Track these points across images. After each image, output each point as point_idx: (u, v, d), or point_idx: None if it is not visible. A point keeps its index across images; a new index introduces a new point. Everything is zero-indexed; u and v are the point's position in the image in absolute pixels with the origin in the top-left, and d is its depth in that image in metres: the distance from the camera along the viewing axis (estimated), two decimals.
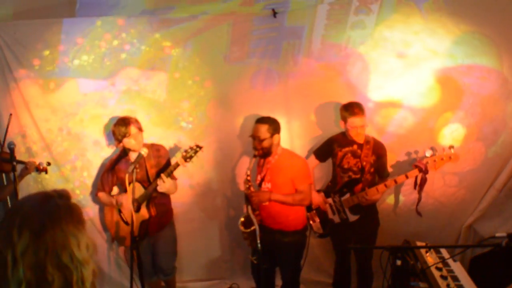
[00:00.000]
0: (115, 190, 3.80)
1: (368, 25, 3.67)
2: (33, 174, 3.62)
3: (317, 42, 3.77)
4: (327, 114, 3.88)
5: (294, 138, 3.97)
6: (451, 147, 3.43)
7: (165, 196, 3.65)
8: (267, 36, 3.82)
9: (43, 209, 1.20)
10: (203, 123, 4.01)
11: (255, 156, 3.35)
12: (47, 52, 3.74)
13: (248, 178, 3.37)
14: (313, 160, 3.74)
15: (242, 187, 3.53)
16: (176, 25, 3.77)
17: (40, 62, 3.75)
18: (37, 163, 3.53)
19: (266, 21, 3.76)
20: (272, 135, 3.28)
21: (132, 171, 3.18)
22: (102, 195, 3.68)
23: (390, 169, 3.71)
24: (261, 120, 3.33)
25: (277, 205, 3.32)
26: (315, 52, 3.80)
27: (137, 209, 3.49)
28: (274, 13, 3.69)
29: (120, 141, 3.47)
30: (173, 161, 3.52)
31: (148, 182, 3.54)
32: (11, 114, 3.55)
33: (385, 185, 3.45)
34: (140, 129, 3.49)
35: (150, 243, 3.66)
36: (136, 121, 3.49)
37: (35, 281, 1.14)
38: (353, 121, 3.39)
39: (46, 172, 3.61)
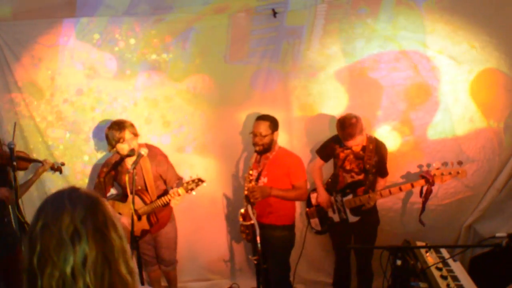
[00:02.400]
0: (112, 191, 3.81)
1: (368, 25, 3.67)
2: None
3: (316, 42, 3.77)
4: (325, 116, 3.89)
5: (294, 138, 3.97)
6: (459, 162, 3.43)
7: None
8: (267, 36, 3.82)
9: (83, 191, 1.19)
10: (203, 123, 4.02)
11: (256, 151, 3.43)
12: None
13: (251, 172, 3.41)
14: (318, 160, 3.76)
15: (243, 182, 3.56)
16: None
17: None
18: (52, 162, 3.55)
19: (266, 21, 3.76)
20: (272, 132, 3.42)
21: (133, 170, 3.17)
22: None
23: (400, 180, 3.74)
24: (262, 117, 3.46)
25: (271, 199, 3.40)
26: (315, 52, 3.80)
27: (138, 218, 3.50)
28: (274, 13, 3.69)
29: (113, 146, 3.38)
30: (174, 191, 3.40)
31: (145, 190, 3.52)
32: (15, 123, 3.55)
33: (390, 191, 3.44)
34: (135, 135, 3.42)
35: (152, 237, 3.69)
36: (132, 126, 3.41)
37: (101, 248, 1.10)
38: (348, 143, 3.39)
39: (61, 172, 3.63)
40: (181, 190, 3.32)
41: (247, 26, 3.80)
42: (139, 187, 3.53)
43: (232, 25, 3.79)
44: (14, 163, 3.04)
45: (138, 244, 3.37)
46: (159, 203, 3.46)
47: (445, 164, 3.44)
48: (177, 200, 3.36)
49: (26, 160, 3.49)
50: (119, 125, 3.37)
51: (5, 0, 3.60)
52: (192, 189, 3.33)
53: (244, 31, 3.81)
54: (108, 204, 1.20)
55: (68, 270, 1.06)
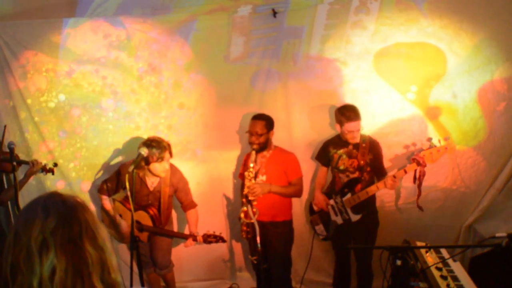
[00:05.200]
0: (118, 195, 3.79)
1: (368, 25, 3.67)
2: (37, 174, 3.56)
3: (317, 42, 3.77)
4: (326, 116, 3.89)
5: (294, 138, 3.97)
6: (446, 138, 3.42)
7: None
8: (267, 36, 3.82)
9: (62, 197, 1.12)
10: (203, 123, 4.02)
11: (253, 149, 3.45)
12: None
13: (251, 169, 3.42)
14: (321, 167, 3.79)
15: (242, 179, 3.57)
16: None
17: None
18: (43, 163, 3.44)
19: (266, 21, 3.76)
20: (268, 131, 3.48)
21: (132, 171, 3.16)
22: (104, 198, 3.64)
23: (389, 163, 3.71)
24: (258, 117, 3.51)
25: (270, 197, 3.45)
26: (315, 52, 3.79)
27: (140, 230, 3.47)
28: (274, 13, 3.69)
29: (148, 163, 3.31)
30: (193, 237, 3.45)
31: (158, 211, 3.50)
32: (5, 126, 3.44)
33: (384, 182, 3.42)
34: (171, 155, 3.38)
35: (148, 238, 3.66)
36: (169, 145, 3.37)
37: (72, 261, 1.03)
38: (350, 125, 3.41)
39: (53, 173, 3.52)
40: (199, 238, 3.40)
41: (247, 26, 3.80)
42: (150, 202, 3.52)
43: (232, 25, 3.79)
44: (14, 163, 3.04)
45: (138, 244, 3.36)
46: (170, 234, 3.55)
47: (429, 139, 3.45)
48: (191, 244, 3.46)
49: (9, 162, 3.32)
50: (159, 144, 3.28)
51: (5, 0, 3.60)
52: (210, 242, 3.39)
53: (244, 31, 3.81)
54: (90, 212, 1.12)
55: (35, 282, 1.01)
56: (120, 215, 3.62)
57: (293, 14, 3.73)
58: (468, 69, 3.60)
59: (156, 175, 3.42)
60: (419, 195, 3.58)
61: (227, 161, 4.10)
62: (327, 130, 3.86)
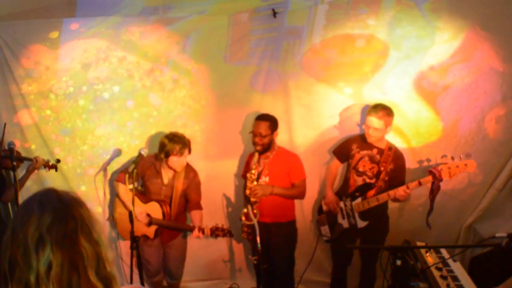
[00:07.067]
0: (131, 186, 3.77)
1: (368, 25, 3.67)
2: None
3: (317, 42, 3.77)
4: (327, 116, 3.89)
5: (294, 138, 3.97)
6: (468, 155, 3.26)
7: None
8: (267, 36, 3.82)
9: (57, 194, 1.14)
10: (202, 123, 4.02)
11: (257, 151, 3.43)
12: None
13: (253, 171, 3.41)
14: (336, 162, 3.72)
15: (245, 181, 3.57)
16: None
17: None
18: (46, 160, 3.42)
19: (266, 21, 3.76)
20: (272, 132, 3.45)
21: (132, 171, 3.17)
22: (121, 185, 3.58)
23: None
24: (262, 117, 3.48)
25: (273, 198, 3.43)
26: (315, 52, 3.79)
27: (148, 224, 3.46)
28: (274, 13, 3.69)
29: (167, 155, 3.32)
30: (201, 229, 3.38)
31: (169, 204, 3.48)
32: (5, 124, 3.40)
33: (396, 192, 3.29)
34: (190, 152, 3.41)
35: (162, 246, 3.65)
36: (189, 142, 3.40)
37: (68, 256, 1.06)
38: (368, 119, 3.35)
39: (56, 170, 3.49)
40: (207, 230, 3.35)
41: (247, 26, 3.80)
42: (162, 197, 3.50)
43: (232, 25, 3.79)
44: (14, 163, 3.03)
45: (138, 244, 3.36)
46: (178, 226, 3.50)
47: (444, 156, 3.30)
48: (198, 236, 3.37)
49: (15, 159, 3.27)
50: (181, 140, 3.33)
51: (5, 0, 3.60)
52: (218, 236, 3.35)
53: (244, 31, 3.81)
54: (86, 208, 1.14)
55: (32, 278, 1.04)
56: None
57: (293, 14, 3.73)
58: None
59: (173, 169, 3.41)
60: (430, 210, 3.39)
61: (227, 161, 4.10)
62: (328, 130, 3.86)
